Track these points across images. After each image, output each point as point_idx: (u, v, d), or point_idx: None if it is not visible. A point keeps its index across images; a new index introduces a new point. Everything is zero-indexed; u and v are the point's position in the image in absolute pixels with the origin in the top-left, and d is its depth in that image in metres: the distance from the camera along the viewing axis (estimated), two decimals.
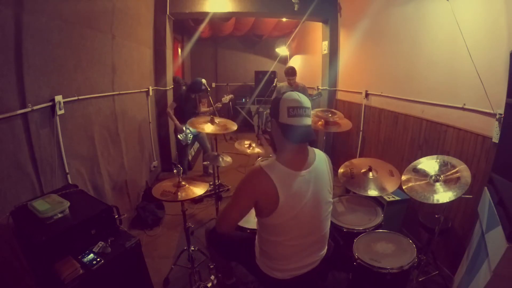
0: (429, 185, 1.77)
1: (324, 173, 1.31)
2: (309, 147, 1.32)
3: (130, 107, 3.10)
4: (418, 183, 1.82)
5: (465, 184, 1.64)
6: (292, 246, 1.29)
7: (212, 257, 1.81)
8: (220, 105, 3.71)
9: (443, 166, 1.83)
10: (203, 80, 3.43)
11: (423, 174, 1.86)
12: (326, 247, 1.45)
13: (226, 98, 4.00)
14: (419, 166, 1.92)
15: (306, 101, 1.23)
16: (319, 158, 1.32)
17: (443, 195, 1.66)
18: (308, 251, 1.34)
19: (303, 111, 1.20)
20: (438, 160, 1.87)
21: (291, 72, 4.06)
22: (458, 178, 1.69)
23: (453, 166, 1.79)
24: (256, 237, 1.45)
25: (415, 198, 1.74)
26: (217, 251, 1.66)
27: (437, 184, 1.74)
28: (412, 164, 1.97)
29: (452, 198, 1.61)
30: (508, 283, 1.21)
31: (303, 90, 4.13)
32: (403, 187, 1.87)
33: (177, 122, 3.58)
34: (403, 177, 1.92)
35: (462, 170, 1.74)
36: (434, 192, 1.71)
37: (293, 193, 1.19)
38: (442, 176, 1.77)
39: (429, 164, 1.89)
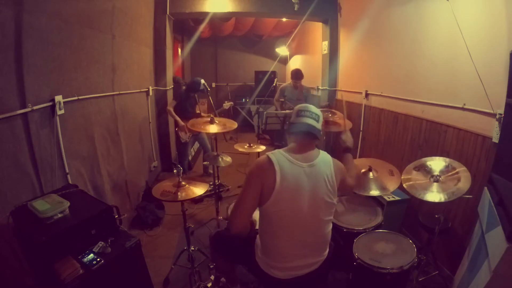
0: (429, 184, 1.77)
1: (325, 174, 1.31)
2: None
3: (130, 107, 3.09)
4: (418, 182, 1.82)
5: (463, 188, 1.64)
6: (289, 241, 1.30)
7: (216, 262, 1.82)
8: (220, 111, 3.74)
9: (444, 167, 1.82)
10: (202, 80, 3.45)
11: (424, 173, 1.85)
12: (327, 251, 1.44)
13: (227, 105, 4.05)
14: (428, 162, 1.90)
15: (315, 110, 1.39)
16: (323, 159, 1.35)
17: (439, 195, 1.66)
18: (306, 250, 1.34)
19: (310, 114, 1.37)
20: (442, 161, 1.87)
21: (299, 75, 4.06)
22: (458, 180, 1.69)
23: (454, 168, 1.79)
24: (258, 233, 1.46)
25: (414, 195, 1.74)
26: (222, 254, 1.66)
27: (437, 184, 1.74)
28: (419, 161, 1.96)
29: (452, 198, 1.61)
30: (508, 283, 1.21)
31: (307, 92, 4.16)
32: (403, 185, 1.86)
33: (179, 119, 3.57)
34: (403, 176, 1.92)
35: (462, 172, 1.73)
36: (433, 191, 1.70)
37: (290, 178, 1.25)
38: (442, 176, 1.77)
39: (434, 163, 1.88)
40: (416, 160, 1.97)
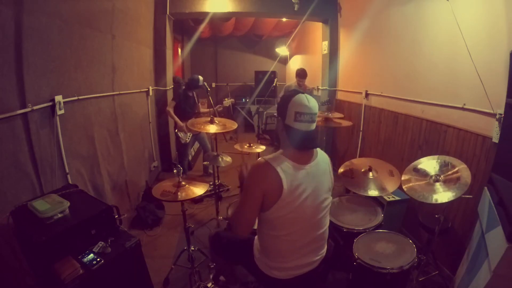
0: (429, 185, 1.77)
1: (324, 170, 1.33)
2: None
3: (130, 107, 3.10)
4: (418, 183, 1.82)
5: (464, 185, 1.64)
6: (292, 241, 1.30)
7: (216, 262, 1.82)
8: (221, 108, 3.72)
9: (444, 166, 1.83)
10: (200, 77, 3.45)
11: (423, 174, 1.86)
12: (326, 247, 1.45)
13: (228, 102, 4.03)
14: (419, 166, 1.92)
15: (314, 106, 1.24)
16: (321, 156, 1.35)
17: (442, 195, 1.66)
18: (307, 249, 1.33)
19: (310, 117, 1.22)
20: (438, 160, 1.87)
21: (303, 74, 4.12)
22: (458, 178, 1.69)
23: (453, 166, 1.79)
24: (256, 236, 1.45)
25: (414, 197, 1.74)
26: (222, 255, 1.66)
27: (437, 184, 1.74)
28: (412, 164, 1.97)
29: (452, 198, 1.61)
30: (508, 283, 1.21)
31: (310, 93, 4.17)
32: (403, 187, 1.87)
33: (178, 120, 3.58)
34: (403, 177, 1.92)
35: (462, 170, 1.73)
36: (434, 192, 1.70)
37: (297, 184, 1.20)
38: (442, 176, 1.77)
39: (429, 164, 1.89)
40: (410, 165, 1.97)
